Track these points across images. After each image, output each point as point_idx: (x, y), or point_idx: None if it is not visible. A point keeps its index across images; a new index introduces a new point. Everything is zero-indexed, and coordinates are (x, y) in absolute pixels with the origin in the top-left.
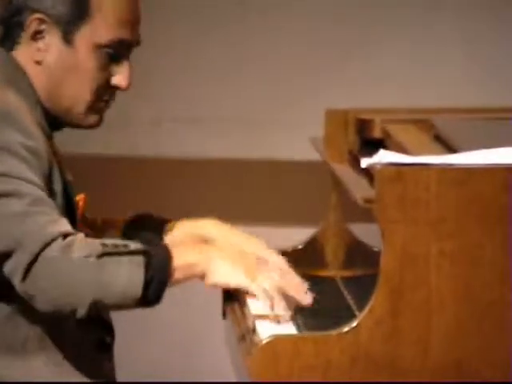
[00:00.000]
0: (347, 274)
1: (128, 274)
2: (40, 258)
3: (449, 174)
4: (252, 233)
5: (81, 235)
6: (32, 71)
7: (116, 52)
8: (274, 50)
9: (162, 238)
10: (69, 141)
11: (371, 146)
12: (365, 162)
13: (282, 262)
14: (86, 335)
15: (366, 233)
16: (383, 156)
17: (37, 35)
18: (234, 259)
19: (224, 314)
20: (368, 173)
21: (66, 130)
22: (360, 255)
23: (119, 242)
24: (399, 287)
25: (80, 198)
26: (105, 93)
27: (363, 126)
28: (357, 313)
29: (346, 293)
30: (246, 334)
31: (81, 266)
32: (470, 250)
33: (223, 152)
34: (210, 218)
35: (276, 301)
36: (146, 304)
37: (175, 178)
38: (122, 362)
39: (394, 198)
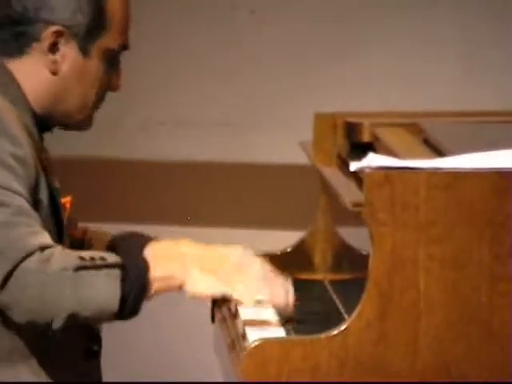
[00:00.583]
0: (336, 277)
1: (105, 288)
2: (18, 270)
3: (438, 177)
4: (241, 236)
5: (59, 248)
6: (42, 80)
7: (116, 57)
8: (262, 54)
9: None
10: (57, 144)
11: (360, 149)
12: (354, 166)
13: (265, 268)
14: (72, 344)
15: (355, 236)
16: (372, 160)
17: (53, 47)
18: (213, 269)
19: (213, 318)
20: (357, 176)
21: (55, 133)
22: (349, 259)
23: (97, 254)
24: (388, 290)
25: (67, 201)
26: (104, 95)
27: (352, 129)
28: (346, 316)
29: (334, 296)
30: (236, 340)
31: (57, 279)
32: (459, 253)
33: (211, 156)
34: (184, 239)
35: (259, 305)
36: (124, 317)
37: (163, 182)
38: (110, 368)
39: (383, 202)
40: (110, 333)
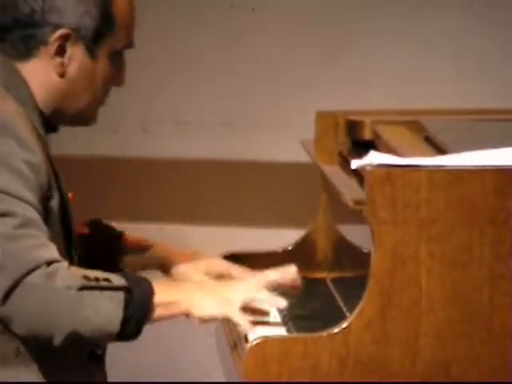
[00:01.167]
0: (337, 275)
1: (107, 311)
2: (22, 284)
3: (439, 175)
4: (242, 234)
5: (65, 264)
6: (51, 83)
7: (121, 55)
8: (263, 52)
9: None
10: (57, 143)
11: (361, 147)
12: (355, 164)
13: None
14: (77, 348)
15: (356, 234)
16: (373, 157)
17: (60, 50)
18: (215, 294)
19: None
20: (358, 174)
21: (55, 133)
22: (350, 257)
23: (102, 274)
24: (389, 289)
25: (68, 197)
26: (109, 90)
27: (353, 127)
28: (347, 314)
29: (335, 294)
30: (238, 341)
31: (61, 297)
32: (460, 251)
33: (212, 154)
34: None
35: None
36: (124, 339)
37: (163, 181)
38: (114, 370)
39: (384, 200)
40: None
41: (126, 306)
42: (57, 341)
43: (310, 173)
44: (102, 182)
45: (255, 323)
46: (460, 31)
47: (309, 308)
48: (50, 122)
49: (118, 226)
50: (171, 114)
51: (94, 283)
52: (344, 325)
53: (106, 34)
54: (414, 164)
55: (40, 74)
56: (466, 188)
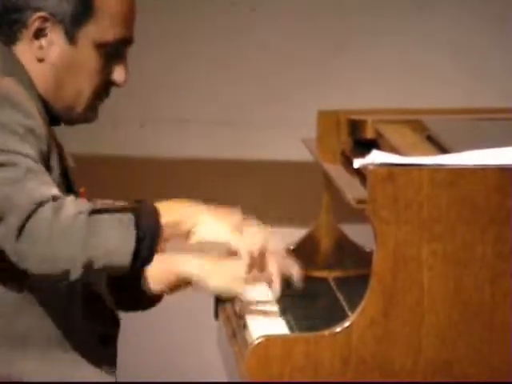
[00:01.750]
0: (339, 274)
1: (119, 231)
2: (32, 219)
3: (441, 174)
4: None
5: (71, 197)
6: (33, 68)
7: (116, 50)
8: (263, 49)
9: None
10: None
11: (363, 146)
12: (357, 163)
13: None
14: (90, 326)
15: (358, 233)
16: (375, 156)
17: (39, 33)
18: (221, 216)
19: (216, 315)
20: (360, 173)
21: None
22: (352, 256)
23: (108, 202)
24: (391, 288)
25: (81, 191)
26: (104, 90)
27: (355, 126)
28: (349, 313)
29: (338, 293)
30: (238, 330)
31: (73, 224)
32: (462, 250)
33: (212, 153)
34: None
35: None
36: (140, 263)
37: (162, 179)
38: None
39: (386, 199)
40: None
41: (137, 227)
42: (74, 273)
43: (312, 172)
44: (99, 180)
45: (253, 311)
46: (462, 29)
47: (311, 307)
48: (50, 111)
49: None
50: (170, 111)
51: (102, 208)
52: (346, 324)
53: (85, 19)
54: (416, 163)
55: (25, 59)
56: (468, 187)
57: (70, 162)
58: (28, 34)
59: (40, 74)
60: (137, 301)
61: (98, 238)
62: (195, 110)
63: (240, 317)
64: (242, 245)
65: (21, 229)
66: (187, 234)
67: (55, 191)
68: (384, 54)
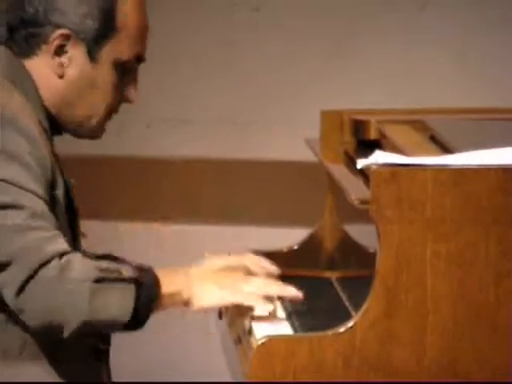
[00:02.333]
0: (343, 274)
1: (119, 302)
2: (37, 277)
3: (444, 174)
4: (247, 233)
5: (78, 255)
6: (49, 82)
7: (130, 67)
8: (266, 49)
9: None
10: (60, 142)
11: (367, 146)
12: (360, 163)
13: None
14: (82, 342)
15: (362, 233)
16: (379, 157)
17: (60, 50)
18: (216, 279)
19: (220, 315)
20: (364, 173)
21: None
22: (355, 256)
23: (112, 266)
24: (395, 288)
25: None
26: (117, 106)
27: (359, 126)
28: (352, 313)
29: (341, 293)
30: (242, 335)
31: (76, 290)
32: (466, 250)
33: (216, 153)
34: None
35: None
36: (132, 328)
37: (166, 180)
38: (118, 364)
39: (390, 199)
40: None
41: (136, 299)
42: (67, 332)
43: (315, 172)
44: (104, 181)
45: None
46: (465, 30)
47: (314, 307)
48: (55, 121)
49: (120, 225)
50: (175, 112)
51: (107, 275)
52: (350, 324)
53: (107, 38)
54: (420, 163)
55: (42, 74)
56: (472, 187)
57: (72, 180)
58: (48, 49)
59: (56, 90)
60: None
61: (97, 307)
62: (199, 110)
63: (250, 333)
64: (249, 299)
65: (24, 285)
66: (186, 303)
67: (61, 245)
68: (387, 54)
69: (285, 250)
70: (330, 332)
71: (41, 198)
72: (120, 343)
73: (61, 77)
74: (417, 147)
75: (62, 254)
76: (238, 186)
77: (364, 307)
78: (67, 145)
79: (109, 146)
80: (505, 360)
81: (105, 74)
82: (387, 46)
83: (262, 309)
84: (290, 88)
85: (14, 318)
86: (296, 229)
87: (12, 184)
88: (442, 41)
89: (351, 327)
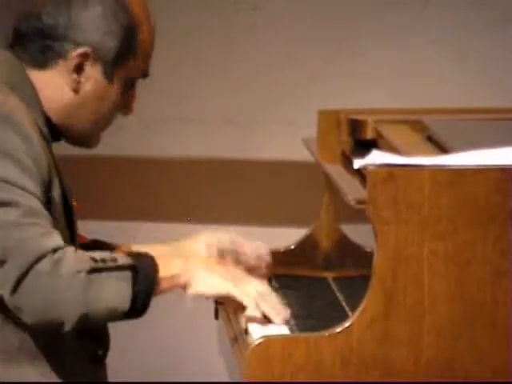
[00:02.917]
0: (339, 274)
1: (116, 291)
2: (31, 272)
3: (441, 174)
4: (244, 233)
5: (71, 249)
6: (61, 95)
7: (136, 81)
8: (265, 49)
9: None
10: (58, 143)
11: (364, 146)
12: (357, 164)
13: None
14: (80, 346)
15: (359, 233)
16: (376, 157)
17: (79, 68)
18: (217, 269)
19: (216, 315)
20: (361, 173)
21: None
22: (352, 256)
23: (108, 255)
24: (392, 288)
25: (78, 207)
26: (115, 117)
27: (356, 126)
28: (349, 313)
29: (338, 293)
30: (239, 335)
31: (71, 282)
32: (463, 250)
33: (215, 153)
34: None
35: (262, 304)
36: (133, 316)
37: (165, 180)
38: (117, 364)
39: (387, 199)
40: (114, 330)
41: (134, 284)
42: (67, 326)
43: (312, 171)
44: (104, 181)
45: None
46: (465, 30)
47: (311, 307)
48: (54, 129)
49: (121, 225)
50: (174, 111)
51: (101, 265)
52: (347, 324)
53: (126, 58)
54: (417, 163)
55: (53, 86)
56: (469, 187)
57: (68, 184)
58: (66, 65)
59: (66, 102)
60: None
61: (94, 297)
62: (198, 110)
63: (246, 332)
64: (245, 298)
65: (18, 281)
66: (184, 286)
67: (55, 241)
68: (385, 54)
69: (282, 249)
70: (327, 332)
71: (35, 195)
72: (119, 344)
73: (76, 92)
74: (414, 147)
75: (55, 249)
76: (235, 186)
77: (361, 307)
78: (66, 144)
79: (108, 145)
80: (502, 359)
81: (115, 90)
82: (387, 46)
83: (253, 312)
84: (290, 88)
85: (11, 318)
86: (293, 228)
87: (7, 182)
88: (442, 41)
89: (348, 327)
